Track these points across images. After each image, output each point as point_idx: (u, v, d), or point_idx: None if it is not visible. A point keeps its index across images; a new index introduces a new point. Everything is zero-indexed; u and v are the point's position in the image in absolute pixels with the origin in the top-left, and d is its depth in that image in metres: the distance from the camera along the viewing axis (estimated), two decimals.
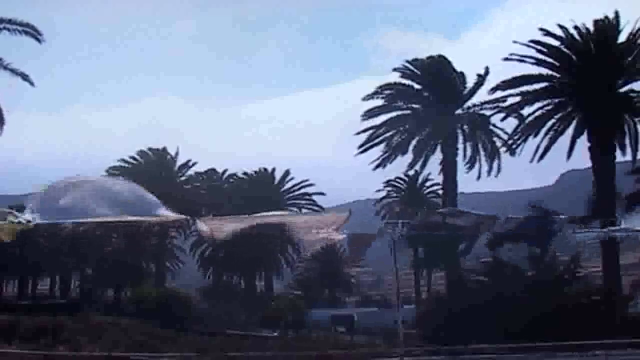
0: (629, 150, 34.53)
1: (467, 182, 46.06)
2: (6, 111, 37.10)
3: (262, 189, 56.51)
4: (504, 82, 35.80)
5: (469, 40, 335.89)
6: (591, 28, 34.49)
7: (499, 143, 40.23)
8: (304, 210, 56.69)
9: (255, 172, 59.72)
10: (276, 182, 59.63)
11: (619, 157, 34.71)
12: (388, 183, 61.52)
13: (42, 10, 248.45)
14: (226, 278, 59.60)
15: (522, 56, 34.82)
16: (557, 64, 35.12)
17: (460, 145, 40.78)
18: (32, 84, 36.90)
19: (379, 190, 62.71)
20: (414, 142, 40.74)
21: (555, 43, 34.75)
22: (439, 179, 43.73)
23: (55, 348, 23.44)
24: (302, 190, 59.64)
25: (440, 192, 45.18)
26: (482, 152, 40.85)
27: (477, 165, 41.01)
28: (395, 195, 62.64)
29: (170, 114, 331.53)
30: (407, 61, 41.42)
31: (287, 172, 59.97)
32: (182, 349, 24.79)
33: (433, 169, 43.74)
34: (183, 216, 9.04)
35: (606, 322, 25.77)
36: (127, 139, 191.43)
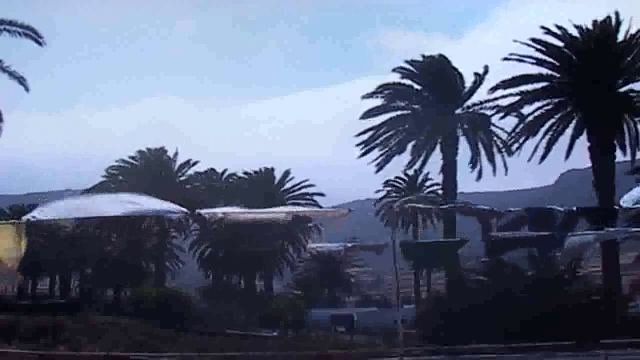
0: (629, 150, 34.59)
1: (467, 182, 46.03)
2: (5, 112, 37.09)
3: (263, 189, 56.49)
4: (503, 82, 35.81)
5: (472, 40, 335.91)
6: (591, 28, 34.52)
7: (499, 143, 40.24)
8: None
9: (256, 172, 59.72)
10: (276, 182, 59.62)
11: (619, 157, 34.78)
12: (388, 183, 61.60)
13: (43, 11, 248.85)
14: (226, 278, 59.57)
15: (522, 56, 34.87)
16: (557, 63, 35.14)
17: (460, 145, 40.82)
18: (27, 89, 36.81)
19: (379, 191, 62.80)
20: (413, 143, 40.74)
21: (555, 43, 34.79)
22: (439, 179, 43.74)
23: (55, 348, 23.44)
24: (303, 191, 59.66)
25: (441, 192, 45.17)
26: (482, 152, 40.86)
27: (477, 165, 41.04)
28: (395, 195, 62.66)
29: (171, 114, 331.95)
30: (407, 61, 41.43)
31: (287, 173, 60.01)
32: (182, 349, 24.79)
33: (433, 169, 43.78)
34: (184, 209, 9.02)
35: (606, 322, 25.79)
36: (128, 139, 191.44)
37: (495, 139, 40.53)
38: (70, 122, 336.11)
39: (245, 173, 59.78)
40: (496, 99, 37.97)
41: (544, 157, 35.53)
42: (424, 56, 41.94)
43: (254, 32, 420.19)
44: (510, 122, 37.24)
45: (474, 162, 40.76)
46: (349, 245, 17.99)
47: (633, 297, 34.19)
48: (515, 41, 35.04)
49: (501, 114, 37.51)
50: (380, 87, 41.14)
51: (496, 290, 29.75)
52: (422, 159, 41.24)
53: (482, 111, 40.59)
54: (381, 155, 41.13)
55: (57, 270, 55.56)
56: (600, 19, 34.73)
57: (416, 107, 41.46)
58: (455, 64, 41.75)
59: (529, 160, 35.96)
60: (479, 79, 40.67)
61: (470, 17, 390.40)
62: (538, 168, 38.99)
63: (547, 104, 35.46)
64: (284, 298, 48.50)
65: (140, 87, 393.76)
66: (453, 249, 17.57)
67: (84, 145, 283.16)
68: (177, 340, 27.35)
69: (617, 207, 11.94)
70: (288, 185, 59.90)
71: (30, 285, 55.94)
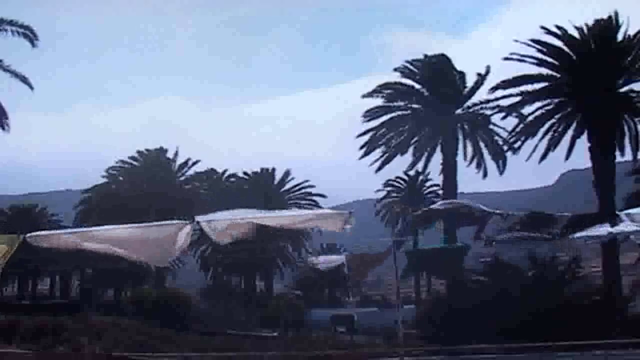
0: (629, 150, 34.59)
1: (467, 182, 46.09)
2: (10, 112, 37.21)
3: (263, 189, 56.51)
4: (503, 81, 35.78)
5: (476, 39, 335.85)
6: (591, 27, 34.50)
7: (500, 142, 40.23)
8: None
9: (256, 172, 59.71)
10: (276, 182, 59.62)
11: (619, 157, 34.76)
12: (388, 183, 61.64)
13: (45, 11, 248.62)
14: (226, 278, 59.58)
15: (521, 56, 34.83)
16: (556, 63, 35.12)
17: (460, 145, 40.81)
18: (31, 87, 36.91)
19: (378, 190, 62.88)
20: (413, 143, 40.74)
21: (555, 43, 34.78)
22: (439, 179, 43.74)
23: (55, 348, 23.44)
24: (303, 191, 59.64)
25: (440, 192, 45.17)
26: (482, 152, 40.87)
27: (478, 165, 41.05)
28: (395, 195, 62.71)
29: (172, 114, 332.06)
30: (408, 60, 41.43)
31: (287, 173, 60.01)
32: (182, 349, 24.81)
33: (433, 169, 43.79)
34: (184, 222, 8.97)
35: (606, 322, 25.78)
36: (128, 139, 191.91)
37: (496, 138, 40.55)
38: (71, 123, 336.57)
39: (246, 173, 59.82)
40: (497, 99, 37.98)
41: (543, 157, 35.52)
42: (425, 55, 41.98)
43: (255, 32, 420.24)
44: (511, 122, 37.30)
45: (476, 162, 40.80)
46: (350, 254, 17.68)
47: (633, 297, 34.12)
48: (516, 41, 35.06)
49: (502, 114, 37.58)
50: (380, 86, 41.14)
51: (496, 290, 29.72)
52: (423, 159, 41.25)
53: (483, 111, 40.60)
54: (382, 156, 41.15)
55: (57, 271, 55.53)
56: (600, 18, 34.74)
57: (416, 106, 41.45)
58: (458, 63, 41.82)
59: (527, 160, 35.99)
60: (481, 79, 40.66)
61: (475, 16, 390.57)
62: (538, 168, 39.04)
63: (547, 104, 35.45)
64: (284, 298, 48.46)
65: (141, 87, 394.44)
66: (457, 255, 17.55)
67: (85, 145, 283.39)
68: (177, 340, 27.35)
69: (619, 214, 11.87)
70: (288, 186, 59.92)
71: (30, 286, 56.03)
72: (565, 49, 34.79)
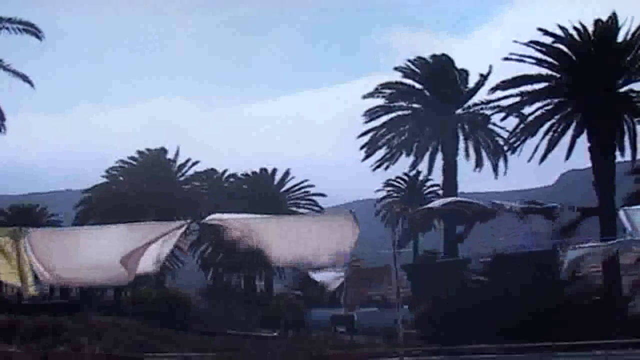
0: (629, 150, 34.60)
1: (467, 182, 46.16)
2: (8, 113, 37.25)
3: (263, 189, 56.49)
4: (503, 82, 35.82)
5: (478, 38, 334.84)
6: (591, 28, 34.51)
7: (500, 142, 40.26)
8: (304, 211, 56.73)
9: (255, 172, 59.68)
10: (276, 182, 59.60)
11: (619, 157, 34.77)
12: (388, 183, 61.64)
13: (46, 11, 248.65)
14: (226, 278, 59.54)
15: (521, 56, 34.86)
16: (556, 63, 35.14)
17: (461, 145, 40.86)
18: (32, 85, 36.95)
19: (378, 190, 62.88)
20: (414, 143, 40.78)
21: (555, 43, 34.77)
22: (440, 178, 43.78)
23: (55, 348, 23.44)
24: (302, 191, 59.62)
25: (441, 192, 45.21)
26: (482, 152, 40.91)
27: (478, 165, 41.10)
28: (395, 195, 62.70)
29: (172, 114, 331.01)
30: (409, 60, 41.56)
31: (287, 173, 59.97)
32: (182, 349, 24.80)
33: (433, 169, 43.83)
34: (187, 222, 8.91)
35: (606, 322, 25.77)
36: (129, 139, 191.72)
37: (496, 138, 40.60)
38: (71, 123, 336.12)
39: (245, 173, 59.78)
40: (497, 99, 38.06)
41: (543, 157, 35.55)
42: (422, 57, 42.05)
43: (255, 32, 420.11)
44: (511, 122, 37.33)
45: (476, 162, 40.85)
46: (350, 270, 17.50)
47: (633, 297, 34.10)
48: (515, 41, 35.09)
49: (502, 114, 37.61)
50: (380, 85, 41.22)
51: (496, 290, 29.70)
52: (425, 159, 41.29)
53: (483, 111, 40.64)
54: (383, 157, 41.20)
55: None
56: (599, 18, 34.76)
57: (416, 106, 41.49)
58: (460, 63, 42.12)
59: (529, 161, 36.03)
60: (482, 79, 40.70)
61: (477, 16, 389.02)
62: (538, 168, 39.06)
63: (547, 104, 35.47)
64: (284, 298, 48.43)
65: (141, 87, 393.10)
66: (459, 268, 17.44)
67: (85, 145, 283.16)
68: (177, 340, 27.34)
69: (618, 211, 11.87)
70: (288, 185, 59.91)
71: None
72: (565, 49, 34.81)
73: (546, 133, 35.28)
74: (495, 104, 38.25)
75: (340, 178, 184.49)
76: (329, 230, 9.11)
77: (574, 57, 34.78)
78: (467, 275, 35.29)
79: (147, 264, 8.76)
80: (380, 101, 41.24)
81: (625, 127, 34.57)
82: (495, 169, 41.12)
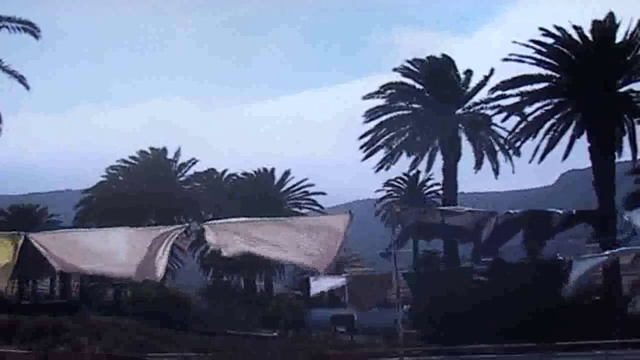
0: (629, 150, 34.62)
1: (467, 182, 46.19)
2: (8, 113, 37.23)
3: (263, 189, 56.51)
4: (503, 82, 35.84)
5: (480, 38, 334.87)
6: (590, 28, 34.52)
7: (501, 142, 40.24)
8: (304, 211, 56.74)
9: (255, 172, 59.71)
10: (276, 182, 59.62)
11: (619, 157, 34.77)
12: (388, 183, 61.62)
13: (45, 11, 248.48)
14: (226, 278, 59.54)
15: (521, 56, 34.86)
16: (556, 64, 35.15)
17: (461, 145, 40.83)
18: (27, 87, 36.84)
19: (378, 190, 62.85)
20: (415, 143, 40.76)
21: (555, 43, 34.77)
22: (440, 178, 43.78)
23: (55, 348, 23.42)
24: (302, 191, 59.63)
25: (441, 192, 45.20)
26: (483, 152, 40.89)
27: (478, 165, 41.06)
28: (395, 195, 62.67)
29: (173, 114, 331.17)
30: (409, 60, 41.53)
31: (287, 172, 60.02)
32: (182, 349, 24.79)
33: (433, 169, 43.82)
34: (186, 225, 8.97)
35: (606, 322, 25.77)
36: (129, 139, 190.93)
37: (497, 138, 40.57)
38: (71, 123, 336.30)
39: (245, 173, 59.82)
40: (497, 98, 38.04)
41: (543, 157, 35.57)
42: (426, 56, 42.06)
43: (255, 32, 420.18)
44: (511, 122, 37.32)
45: (476, 162, 40.81)
46: (352, 277, 17.41)
47: (633, 297, 34.11)
48: (515, 42, 35.09)
49: (502, 114, 37.58)
50: (381, 86, 41.21)
51: (496, 290, 29.69)
52: (425, 159, 41.27)
53: (483, 111, 40.63)
54: (384, 157, 41.19)
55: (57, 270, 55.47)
56: (597, 19, 34.76)
57: (417, 106, 41.48)
58: (461, 63, 41.94)
59: (530, 161, 36.04)
60: (484, 79, 40.64)
61: (478, 16, 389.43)
62: (538, 168, 39.04)
63: (547, 104, 35.48)
64: (283, 298, 48.44)
65: (141, 87, 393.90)
66: (462, 277, 17.39)
67: (85, 145, 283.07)
68: (177, 340, 27.32)
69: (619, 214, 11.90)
70: (288, 185, 59.92)
71: (30, 285, 55.94)
72: (565, 49, 34.82)
73: (546, 133, 35.30)
74: (496, 103, 38.29)
75: (340, 178, 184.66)
76: (316, 235, 9.16)
77: (573, 57, 34.79)
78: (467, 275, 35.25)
79: (154, 268, 8.94)
80: (380, 101, 41.27)
81: (625, 127, 34.58)
82: (495, 169, 41.11)
